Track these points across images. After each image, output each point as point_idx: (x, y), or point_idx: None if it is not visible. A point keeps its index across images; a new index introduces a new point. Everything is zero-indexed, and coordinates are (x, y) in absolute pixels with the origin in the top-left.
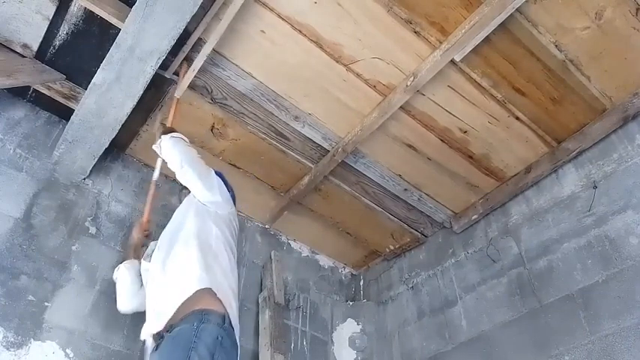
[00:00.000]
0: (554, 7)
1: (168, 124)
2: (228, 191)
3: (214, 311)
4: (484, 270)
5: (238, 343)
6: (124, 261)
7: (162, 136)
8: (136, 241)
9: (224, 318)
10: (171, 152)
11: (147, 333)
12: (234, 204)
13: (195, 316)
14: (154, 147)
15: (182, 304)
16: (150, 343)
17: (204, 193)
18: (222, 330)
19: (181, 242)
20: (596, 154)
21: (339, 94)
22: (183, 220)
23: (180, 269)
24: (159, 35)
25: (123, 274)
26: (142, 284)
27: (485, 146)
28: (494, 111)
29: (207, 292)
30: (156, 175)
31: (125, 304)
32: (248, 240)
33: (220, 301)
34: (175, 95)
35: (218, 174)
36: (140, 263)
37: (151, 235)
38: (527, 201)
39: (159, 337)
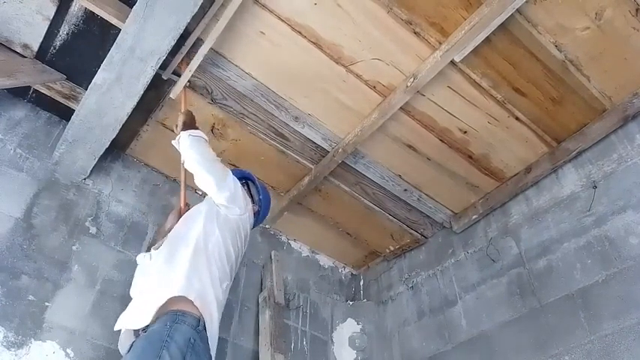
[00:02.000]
0: (554, 7)
1: (181, 112)
2: (258, 194)
3: (189, 313)
4: (484, 270)
5: (213, 355)
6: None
7: (182, 133)
8: (172, 225)
9: (199, 321)
10: (188, 152)
11: (123, 324)
12: (265, 209)
13: (169, 316)
14: (173, 142)
15: (159, 308)
16: (123, 337)
17: (216, 194)
18: (195, 332)
19: (183, 241)
20: (596, 154)
21: (339, 95)
22: (195, 218)
23: (167, 269)
24: (159, 35)
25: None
26: None
27: (485, 146)
28: (494, 111)
29: (183, 298)
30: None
31: None
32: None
33: (197, 308)
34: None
35: (248, 177)
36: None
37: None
38: (527, 201)
39: (135, 335)
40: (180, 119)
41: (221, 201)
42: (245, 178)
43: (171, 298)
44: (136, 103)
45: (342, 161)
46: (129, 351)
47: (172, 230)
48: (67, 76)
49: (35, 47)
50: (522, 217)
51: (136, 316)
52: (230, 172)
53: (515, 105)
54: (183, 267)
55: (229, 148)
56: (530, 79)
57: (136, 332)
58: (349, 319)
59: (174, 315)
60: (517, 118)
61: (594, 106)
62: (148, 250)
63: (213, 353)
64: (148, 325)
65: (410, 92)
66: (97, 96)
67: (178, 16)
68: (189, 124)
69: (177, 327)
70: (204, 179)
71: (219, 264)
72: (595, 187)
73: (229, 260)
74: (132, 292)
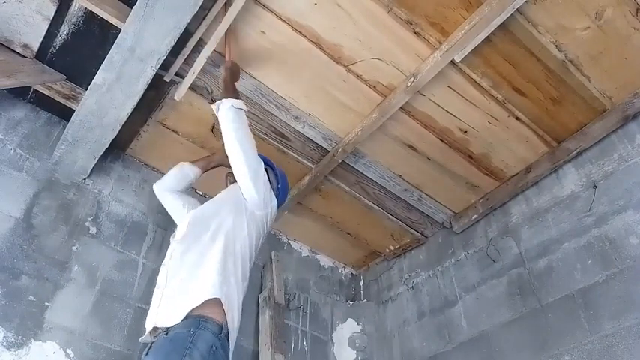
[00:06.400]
0: (554, 7)
1: (227, 58)
2: (277, 183)
3: (213, 319)
4: (484, 270)
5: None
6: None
7: (224, 100)
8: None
9: (221, 328)
10: (229, 126)
11: (153, 322)
12: (282, 199)
13: (193, 321)
14: (212, 106)
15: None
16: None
17: (247, 185)
18: (217, 340)
19: (210, 234)
20: (596, 154)
21: (340, 95)
22: (221, 208)
23: (197, 267)
24: (159, 36)
25: (174, 170)
26: (179, 189)
27: (485, 146)
28: (494, 111)
29: (215, 301)
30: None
31: (158, 188)
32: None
33: (224, 311)
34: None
35: (267, 162)
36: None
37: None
38: (527, 201)
39: (155, 335)
40: (224, 74)
41: (248, 191)
42: (265, 164)
43: (203, 301)
44: (136, 103)
45: (343, 161)
46: (148, 352)
47: (199, 217)
48: (67, 76)
49: (35, 47)
50: (522, 217)
51: (169, 314)
52: (262, 163)
53: (515, 105)
54: (214, 268)
55: None
56: (531, 79)
57: (153, 332)
58: (349, 319)
59: (198, 321)
60: (517, 118)
61: (594, 106)
62: None
63: (230, 357)
64: (168, 328)
65: (410, 92)
66: (97, 96)
67: (178, 16)
68: (233, 88)
69: (201, 333)
70: (240, 168)
71: (243, 265)
72: (595, 187)
73: (250, 261)
74: (159, 279)
